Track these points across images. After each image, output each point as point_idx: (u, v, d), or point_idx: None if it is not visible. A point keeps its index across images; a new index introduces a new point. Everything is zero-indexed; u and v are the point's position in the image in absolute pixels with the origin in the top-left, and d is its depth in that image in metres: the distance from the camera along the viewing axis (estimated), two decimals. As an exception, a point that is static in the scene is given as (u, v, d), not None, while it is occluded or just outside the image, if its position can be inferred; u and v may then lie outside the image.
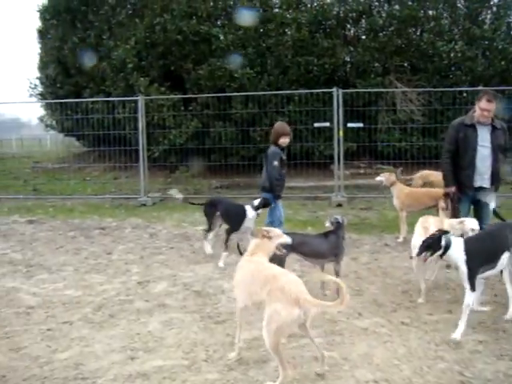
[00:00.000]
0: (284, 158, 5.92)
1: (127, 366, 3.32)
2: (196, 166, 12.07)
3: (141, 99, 10.47)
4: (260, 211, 5.82)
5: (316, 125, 11.10)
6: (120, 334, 3.83)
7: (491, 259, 3.83)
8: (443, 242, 3.73)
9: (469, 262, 3.68)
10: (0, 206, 10.39)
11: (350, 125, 10.55)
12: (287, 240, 3.76)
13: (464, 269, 3.69)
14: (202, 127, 12.26)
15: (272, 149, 5.82)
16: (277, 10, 13.14)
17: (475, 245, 3.85)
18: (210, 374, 3.21)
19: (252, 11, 12.35)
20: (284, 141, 5.82)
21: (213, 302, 4.52)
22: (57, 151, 21.15)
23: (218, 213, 6.08)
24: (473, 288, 3.67)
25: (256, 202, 5.80)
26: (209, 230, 6.17)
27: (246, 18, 12.21)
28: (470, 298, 3.67)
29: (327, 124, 10.59)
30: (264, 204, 5.76)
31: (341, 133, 9.91)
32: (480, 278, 3.86)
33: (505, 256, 3.87)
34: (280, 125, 6.03)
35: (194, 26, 12.45)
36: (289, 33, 12.62)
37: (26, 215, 9.20)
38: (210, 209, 6.19)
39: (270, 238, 3.62)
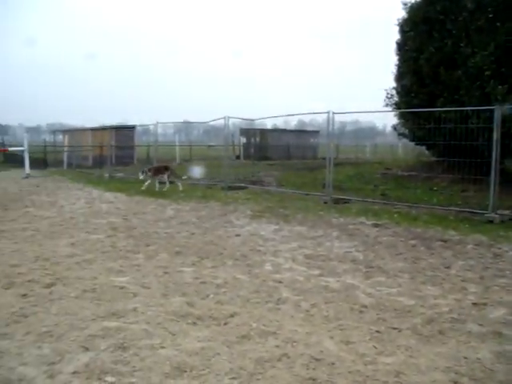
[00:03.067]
0: None
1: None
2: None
3: (497, 109, 9.80)
4: None
5: None
6: (446, 353, 3.71)
7: None
8: None
9: None
10: (350, 207, 11.30)
11: None
12: None
13: None
14: None
15: None
16: None
17: None
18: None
19: None
20: None
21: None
22: (406, 159, 21.77)
23: None
24: None
25: None
26: None
27: None
28: None
29: None
30: None
31: None
32: None
33: None
34: None
35: None
36: None
37: (372, 218, 9.74)
38: None
39: None
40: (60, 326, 4.17)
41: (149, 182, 14.37)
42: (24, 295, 4.95)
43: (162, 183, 14.73)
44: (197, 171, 18.33)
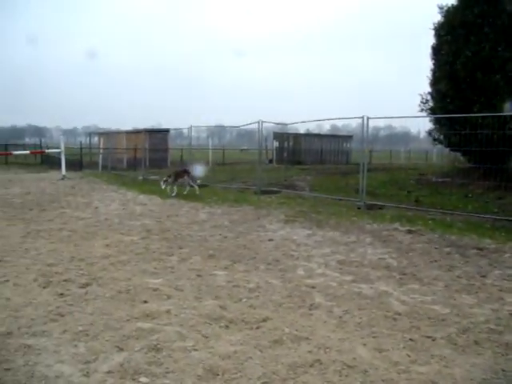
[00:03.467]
0: None
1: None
2: None
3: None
4: None
5: None
6: (483, 365, 3.62)
7: None
8: None
9: None
10: (383, 213, 11.15)
11: None
12: None
13: None
14: None
15: None
16: None
17: None
18: None
19: None
20: None
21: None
22: (441, 165, 21.39)
23: None
24: None
25: None
26: None
27: None
28: None
29: None
30: None
31: None
32: None
33: None
34: None
35: None
36: None
37: (406, 225, 9.57)
38: None
39: None
40: (95, 325, 4.25)
41: (175, 188, 14.38)
42: (61, 294, 5.06)
43: (190, 186, 14.77)
44: (199, 170, 18.42)
